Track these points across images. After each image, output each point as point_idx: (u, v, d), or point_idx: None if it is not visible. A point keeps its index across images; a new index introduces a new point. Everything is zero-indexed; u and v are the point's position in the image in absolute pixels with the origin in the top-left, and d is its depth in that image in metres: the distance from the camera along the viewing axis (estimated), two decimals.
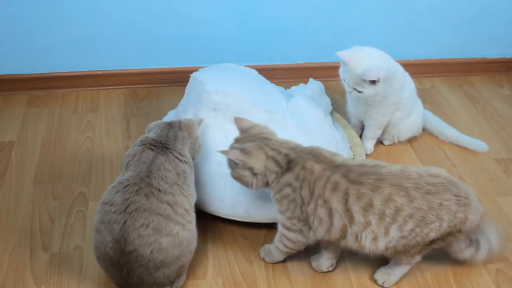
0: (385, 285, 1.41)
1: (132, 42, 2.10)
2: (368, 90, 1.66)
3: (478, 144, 1.94)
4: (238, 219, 1.54)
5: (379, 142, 1.97)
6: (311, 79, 1.98)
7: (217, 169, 1.57)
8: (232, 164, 1.35)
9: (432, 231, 1.26)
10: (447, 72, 2.41)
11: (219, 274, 1.45)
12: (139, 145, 1.37)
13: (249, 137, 1.37)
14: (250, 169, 1.32)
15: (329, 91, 2.05)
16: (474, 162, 1.90)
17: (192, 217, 1.35)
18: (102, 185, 1.70)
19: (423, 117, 1.96)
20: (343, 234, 1.28)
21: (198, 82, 1.67)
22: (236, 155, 1.31)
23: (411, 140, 1.98)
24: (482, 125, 2.11)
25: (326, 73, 2.27)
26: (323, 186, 1.26)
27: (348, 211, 1.25)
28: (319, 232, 1.31)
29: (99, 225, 1.26)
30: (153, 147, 1.36)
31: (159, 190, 1.28)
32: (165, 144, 1.38)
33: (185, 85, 1.77)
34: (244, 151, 1.31)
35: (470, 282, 1.46)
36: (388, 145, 1.96)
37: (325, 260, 1.44)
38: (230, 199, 1.54)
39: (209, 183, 1.56)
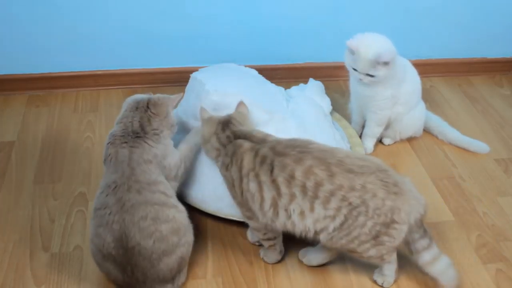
0: (384, 285, 1.41)
1: (132, 42, 2.10)
2: (381, 72, 1.68)
3: (479, 145, 1.94)
4: (238, 219, 1.54)
5: (379, 141, 1.97)
6: (311, 79, 1.98)
7: (217, 168, 1.57)
8: None
9: (361, 215, 1.24)
10: (447, 72, 2.41)
11: (219, 274, 1.45)
12: (110, 148, 1.38)
13: (228, 115, 1.43)
14: (202, 134, 1.43)
15: (329, 91, 2.05)
16: (474, 162, 1.90)
17: (173, 191, 1.39)
18: None
19: (424, 117, 1.96)
20: (275, 209, 1.28)
21: (198, 82, 1.67)
22: (202, 116, 1.45)
23: (411, 140, 1.98)
24: (482, 125, 2.11)
25: (326, 73, 2.28)
26: (253, 160, 1.29)
27: (273, 182, 1.26)
28: (256, 211, 1.31)
29: (97, 229, 1.28)
30: (125, 144, 1.37)
31: (149, 184, 1.30)
32: (134, 134, 1.39)
33: (185, 85, 1.77)
34: (208, 118, 1.43)
35: (470, 282, 1.46)
36: (388, 144, 1.96)
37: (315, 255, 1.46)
38: (230, 199, 1.54)
39: (209, 182, 1.56)
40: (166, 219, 1.28)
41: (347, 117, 2.01)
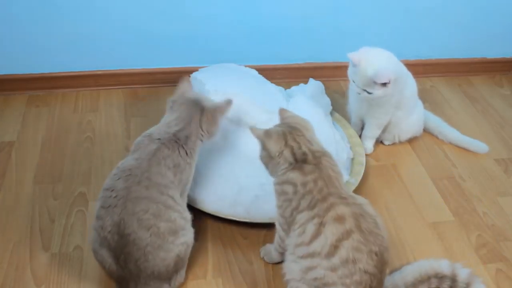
0: None
1: (132, 42, 2.10)
2: (379, 91, 1.67)
3: (478, 145, 1.94)
4: (238, 219, 1.55)
5: (379, 142, 1.97)
6: (311, 79, 1.98)
7: (217, 169, 1.57)
8: (260, 145, 1.36)
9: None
10: (447, 72, 2.41)
11: (219, 274, 1.45)
12: (145, 137, 1.38)
13: (283, 125, 1.37)
14: (268, 151, 1.32)
15: (329, 91, 2.05)
16: (474, 162, 1.90)
17: (183, 203, 1.39)
18: (102, 185, 1.70)
19: (423, 117, 1.96)
20: (308, 256, 1.22)
21: (198, 82, 1.67)
22: (258, 134, 1.34)
23: (411, 140, 1.98)
24: (482, 125, 2.11)
25: (326, 73, 2.28)
26: (325, 209, 1.22)
27: (335, 248, 1.17)
28: (293, 241, 1.25)
29: (99, 210, 1.29)
30: (158, 139, 1.37)
31: (159, 185, 1.30)
32: (173, 138, 1.38)
33: None
34: (266, 133, 1.33)
35: None
36: (388, 145, 1.96)
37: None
38: (230, 199, 1.55)
39: (209, 183, 1.56)
40: (168, 219, 1.28)
41: (347, 117, 2.01)
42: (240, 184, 1.54)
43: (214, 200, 1.56)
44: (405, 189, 1.77)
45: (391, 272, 1.40)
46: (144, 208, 1.26)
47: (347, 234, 1.17)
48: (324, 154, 1.32)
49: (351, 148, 1.83)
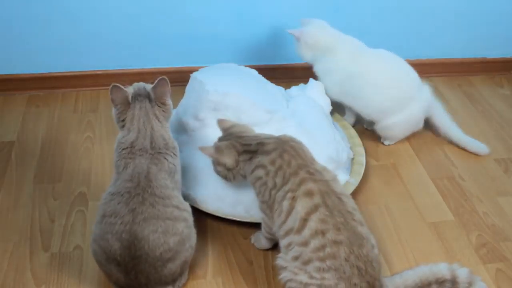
0: None
1: (132, 42, 2.10)
2: (295, 45, 1.89)
3: (478, 146, 1.94)
4: (238, 219, 1.55)
5: (380, 141, 1.97)
6: (311, 79, 1.98)
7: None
8: (212, 161, 1.46)
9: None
10: (447, 72, 2.41)
11: (219, 274, 1.45)
12: (128, 154, 1.33)
13: (227, 136, 1.45)
14: (223, 165, 1.42)
15: None
16: (474, 162, 1.90)
17: (187, 204, 1.37)
18: (102, 185, 1.70)
19: (420, 119, 1.91)
20: (285, 235, 1.27)
21: (198, 82, 1.67)
22: (209, 152, 1.44)
23: (411, 140, 1.98)
24: (482, 125, 2.11)
25: None
26: (298, 183, 1.27)
27: (305, 221, 1.23)
28: (276, 223, 1.30)
29: (105, 235, 1.26)
30: (143, 153, 1.33)
31: (163, 198, 1.29)
32: (152, 149, 1.34)
33: (185, 85, 1.77)
34: (216, 149, 1.42)
35: None
36: (388, 144, 1.96)
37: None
38: (230, 199, 1.55)
39: (210, 183, 1.56)
40: (176, 232, 1.27)
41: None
42: (240, 183, 1.54)
43: (214, 200, 1.56)
44: (405, 189, 1.77)
45: (392, 274, 1.41)
46: (153, 229, 1.24)
47: (315, 208, 1.24)
48: (279, 135, 1.40)
49: (351, 148, 1.83)
